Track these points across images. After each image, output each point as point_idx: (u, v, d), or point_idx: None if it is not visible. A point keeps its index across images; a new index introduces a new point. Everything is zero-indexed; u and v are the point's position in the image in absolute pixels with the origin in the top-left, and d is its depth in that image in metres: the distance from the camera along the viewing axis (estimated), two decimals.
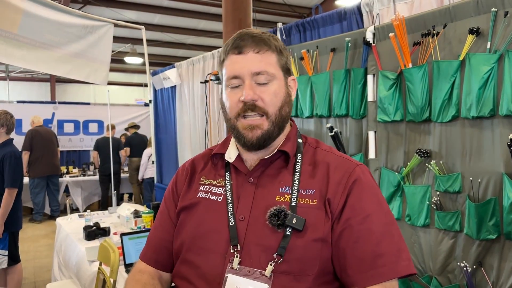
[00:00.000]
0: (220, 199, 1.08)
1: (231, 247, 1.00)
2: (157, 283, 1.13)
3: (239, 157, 1.12)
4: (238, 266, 0.97)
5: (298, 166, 1.07)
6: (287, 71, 1.10)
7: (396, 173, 2.44)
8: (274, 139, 1.07)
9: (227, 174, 1.11)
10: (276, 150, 1.08)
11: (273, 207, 0.99)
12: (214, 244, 1.02)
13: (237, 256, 0.98)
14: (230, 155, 1.12)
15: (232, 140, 1.15)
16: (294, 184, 1.03)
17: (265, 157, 1.08)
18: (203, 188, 1.12)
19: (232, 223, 1.02)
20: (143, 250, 1.21)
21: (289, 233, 0.97)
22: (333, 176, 1.04)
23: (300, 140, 1.13)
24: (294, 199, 1.01)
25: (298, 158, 1.09)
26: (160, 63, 12.31)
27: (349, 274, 0.98)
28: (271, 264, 0.96)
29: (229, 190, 1.07)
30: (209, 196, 1.10)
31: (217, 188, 1.10)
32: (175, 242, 1.12)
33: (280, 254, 0.96)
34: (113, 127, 7.68)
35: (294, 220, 0.97)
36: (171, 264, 1.15)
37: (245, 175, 1.09)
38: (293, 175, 1.05)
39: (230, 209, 1.04)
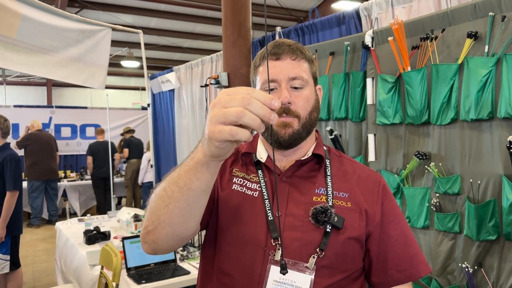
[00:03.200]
0: (256, 194, 1.11)
1: (272, 240, 1.03)
2: None
3: (269, 157, 1.16)
4: (280, 258, 1.00)
5: (328, 170, 1.14)
6: (315, 80, 1.17)
7: (396, 175, 2.46)
8: (302, 140, 1.12)
9: (259, 171, 1.15)
10: (310, 153, 1.14)
11: (318, 205, 1.04)
12: (252, 237, 1.06)
13: (279, 249, 1.02)
14: (261, 155, 1.17)
15: (259, 141, 1.20)
16: (328, 186, 1.10)
17: (302, 158, 1.13)
18: (237, 180, 1.14)
19: (270, 217, 1.06)
20: None
21: (329, 230, 1.03)
22: (367, 186, 1.13)
23: (325, 148, 1.20)
24: (330, 200, 1.08)
25: (327, 163, 1.16)
26: (157, 66, 12.31)
27: (389, 274, 1.09)
28: (313, 257, 1.01)
29: (264, 186, 1.11)
30: (245, 190, 1.12)
31: (251, 183, 1.13)
32: (209, 225, 1.13)
33: (322, 249, 1.02)
34: (102, 131, 7.70)
35: (336, 218, 1.03)
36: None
37: (278, 175, 1.13)
38: (326, 178, 1.12)
39: (267, 205, 1.08)
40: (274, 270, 1.01)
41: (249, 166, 1.17)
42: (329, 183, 1.10)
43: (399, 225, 1.11)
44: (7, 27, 3.66)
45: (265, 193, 1.10)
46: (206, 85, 4.01)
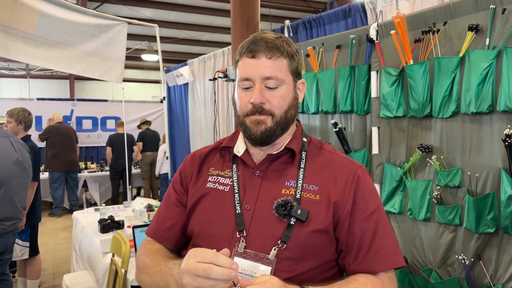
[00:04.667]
0: (227, 189, 1.15)
1: (237, 233, 1.07)
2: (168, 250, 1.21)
3: (246, 151, 1.19)
4: (243, 250, 1.05)
5: (302, 163, 1.15)
6: (297, 75, 1.16)
7: (399, 168, 2.48)
8: (277, 137, 1.14)
9: (234, 166, 1.19)
10: (283, 147, 1.16)
11: (280, 198, 1.06)
12: (221, 230, 1.10)
13: (242, 241, 1.06)
14: (239, 149, 1.20)
15: (241, 135, 1.23)
16: (299, 179, 1.12)
17: (273, 153, 1.15)
18: (211, 178, 1.20)
19: (238, 211, 1.10)
20: (151, 228, 1.27)
21: (293, 223, 1.05)
22: (340, 177, 1.13)
23: (305, 139, 1.21)
24: (298, 193, 1.09)
25: (303, 155, 1.17)
26: (176, 60, 12.42)
27: (354, 263, 1.09)
28: (274, 249, 1.04)
29: (236, 181, 1.15)
30: (217, 186, 1.17)
31: (224, 179, 1.18)
32: (187, 229, 1.21)
33: (284, 241, 1.04)
34: (123, 123, 7.85)
35: (299, 211, 1.05)
36: (179, 240, 1.23)
37: (252, 168, 1.16)
38: (298, 171, 1.14)
39: (236, 199, 1.12)
40: (237, 261, 1.02)
41: (225, 161, 1.22)
42: (300, 176, 1.12)
43: (370, 217, 1.10)
44: (26, 23, 3.80)
45: (235, 187, 1.13)
46: (214, 79, 4.06)
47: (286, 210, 1.04)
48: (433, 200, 2.28)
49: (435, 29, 2.21)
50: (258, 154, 1.18)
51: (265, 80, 1.09)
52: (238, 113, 1.15)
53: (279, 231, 1.05)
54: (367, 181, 1.15)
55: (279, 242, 1.04)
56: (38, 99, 9.50)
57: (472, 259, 2.09)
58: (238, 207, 1.10)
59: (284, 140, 1.17)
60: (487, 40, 2.01)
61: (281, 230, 1.05)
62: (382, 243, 1.09)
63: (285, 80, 1.11)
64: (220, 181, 1.18)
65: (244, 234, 1.07)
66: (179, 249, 1.25)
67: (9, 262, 3.35)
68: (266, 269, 1.02)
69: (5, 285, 3.32)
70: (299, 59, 1.17)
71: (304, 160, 1.16)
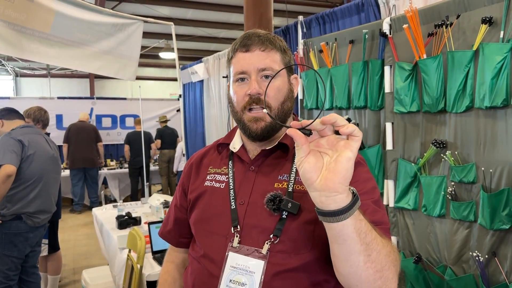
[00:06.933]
0: (223, 186, 1.18)
1: (232, 228, 1.10)
2: (179, 276, 1.34)
3: (242, 147, 1.21)
4: (238, 245, 1.07)
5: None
6: (290, 70, 1.19)
7: (413, 164, 2.45)
8: (277, 131, 1.16)
9: (230, 162, 1.21)
10: (277, 143, 1.17)
11: (270, 193, 1.07)
12: (217, 227, 1.13)
13: (237, 236, 1.08)
14: (235, 145, 1.22)
15: (237, 132, 1.26)
16: (292, 172, 1.12)
17: (267, 148, 1.16)
18: (209, 177, 1.23)
19: (233, 206, 1.12)
20: (161, 228, 1.42)
21: (285, 216, 1.06)
22: None
23: None
24: (291, 186, 1.09)
25: None
26: (194, 57, 12.50)
27: None
28: (267, 243, 1.05)
29: (231, 177, 1.17)
30: (214, 184, 1.20)
31: (220, 176, 1.20)
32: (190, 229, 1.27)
33: (276, 235, 1.05)
34: (140, 121, 7.93)
35: (289, 204, 1.04)
36: (181, 242, 1.36)
37: (247, 164, 1.18)
38: (291, 164, 1.14)
39: (231, 194, 1.14)
40: (231, 257, 1.06)
41: (222, 158, 1.25)
42: (293, 169, 1.12)
43: (365, 195, 1.02)
44: (42, 23, 3.87)
45: (231, 184, 1.16)
46: (227, 76, 4.07)
47: (275, 204, 1.04)
48: (448, 196, 2.25)
49: (448, 22, 2.18)
50: (254, 150, 1.20)
51: (261, 72, 1.11)
52: (236, 109, 1.16)
53: (271, 225, 1.06)
54: (365, 169, 1.12)
55: (271, 236, 1.05)
56: (58, 98, 9.68)
57: (487, 256, 2.06)
58: (233, 203, 1.12)
59: (280, 135, 1.18)
60: (501, 33, 1.97)
61: (274, 224, 1.06)
62: (379, 219, 1.02)
63: (280, 72, 1.13)
64: (216, 178, 1.20)
65: (239, 229, 1.09)
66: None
67: (39, 255, 3.56)
68: (259, 263, 1.03)
69: (35, 279, 3.43)
70: (290, 55, 1.20)
71: None
